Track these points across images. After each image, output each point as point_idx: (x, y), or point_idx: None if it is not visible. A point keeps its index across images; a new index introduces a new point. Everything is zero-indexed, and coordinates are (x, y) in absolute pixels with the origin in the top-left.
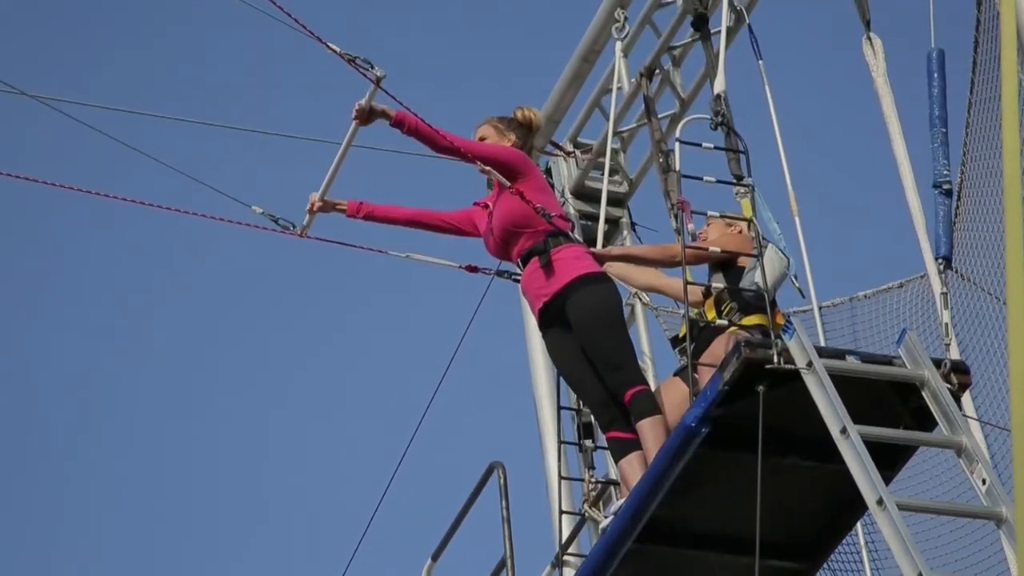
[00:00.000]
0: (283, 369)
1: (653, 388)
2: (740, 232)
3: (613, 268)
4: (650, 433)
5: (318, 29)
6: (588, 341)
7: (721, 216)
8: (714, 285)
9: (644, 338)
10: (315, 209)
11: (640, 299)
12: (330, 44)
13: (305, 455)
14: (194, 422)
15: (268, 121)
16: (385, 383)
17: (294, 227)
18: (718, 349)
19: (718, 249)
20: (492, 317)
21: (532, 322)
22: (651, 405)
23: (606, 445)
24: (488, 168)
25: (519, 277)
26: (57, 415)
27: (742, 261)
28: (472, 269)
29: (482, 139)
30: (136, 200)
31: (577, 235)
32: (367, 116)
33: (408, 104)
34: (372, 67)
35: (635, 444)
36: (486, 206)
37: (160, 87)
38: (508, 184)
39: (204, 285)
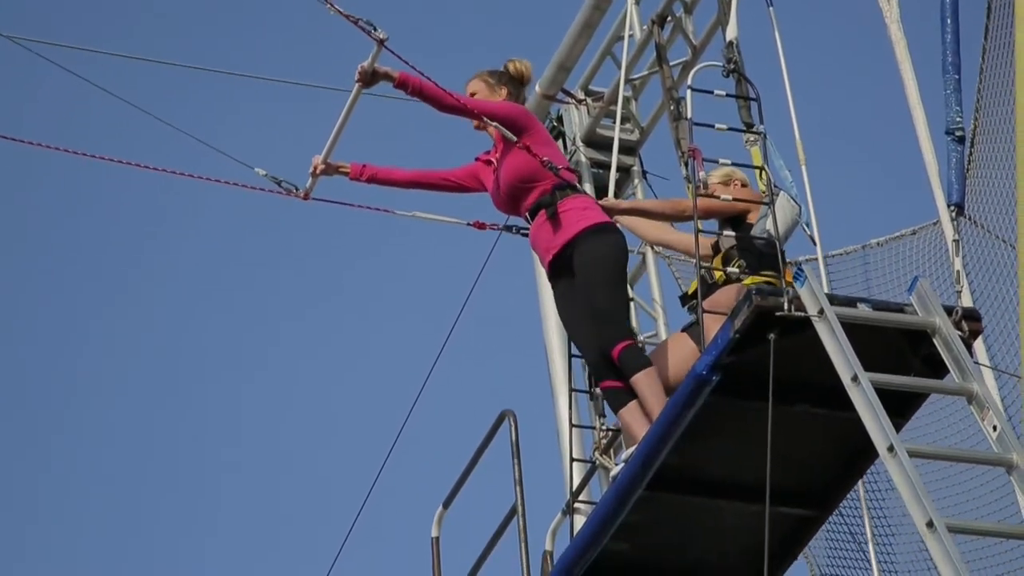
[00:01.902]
0: (291, 324)
1: (662, 339)
2: (741, 186)
3: (623, 220)
4: (646, 387)
5: None
6: (584, 288)
7: (729, 165)
8: (724, 235)
9: (655, 286)
10: (318, 172)
11: (652, 248)
12: (334, 5)
13: (317, 404)
14: (199, 379)
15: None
16: (397, 335)
17: (297, 190)
18: (721, 298)
19: (729, 197)
20: (503, 268)
21: (542, 273)
22: (640, 359)
23: None
24: (496, 124)
25: (527, 231)
26: (58, 387)
27: (751, 217)
28: (480, 226)
29: (472, 94)
30: (139, 164)
31: (587, 187)
32: (370, 78)
33: (412, 63)
34: (375, 29)
35: (629, 394)
36: (489, 162)
37: (162, 44)
38: (515, 139)
39: (204, 247)
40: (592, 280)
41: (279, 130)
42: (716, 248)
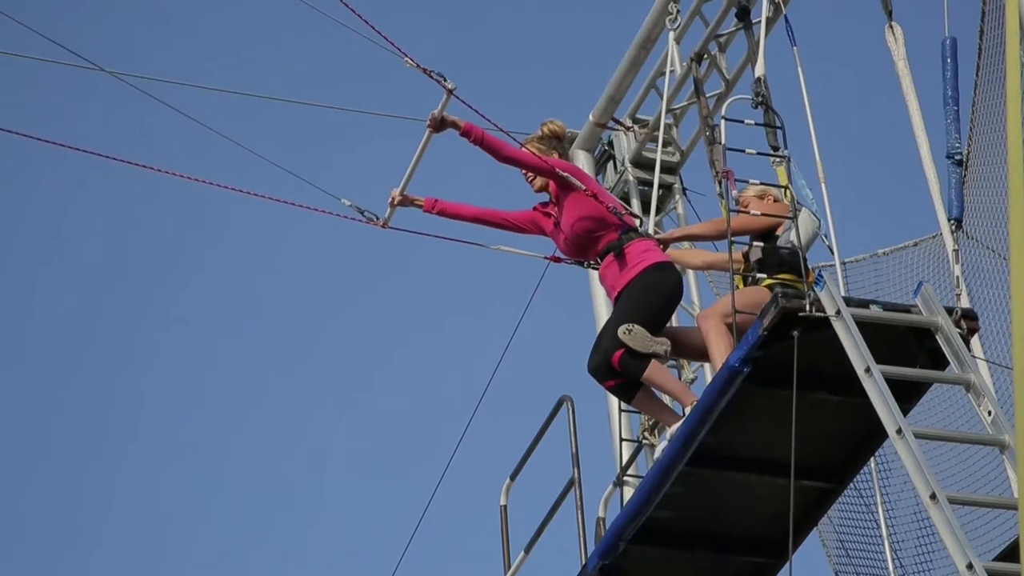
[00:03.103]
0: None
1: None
2: (774, 201)
3: (673, 254)
4: (657, 377)
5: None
6: (623, 300)
7: (760, 184)
8: (754, 245)
9: (695, 292)
10: (395, 203)
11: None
12: (409, 56)
13: (398, 382)
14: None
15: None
16: (468, 333)
17: (377, 219)
18: (742, 298)
19: (758, 212)
20: (563, 277)
21: (595, 276)
22: (641, 359)
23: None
24: (566, 175)
25: (597, 265)
26: (124, 396)
27: (780, 230)
28: (556, 260)
29: None
30: (237, 188)
31: (634, 203)
32: (439, 124)
33: (478, 106)
34: (445, 79)
35: (632, 386)
36: (547, 214)
37: (245, 84)
38: (582, 187)
39: (289, 272)
40: (632, 297)
41: (359, 161)
42: (747, 258)
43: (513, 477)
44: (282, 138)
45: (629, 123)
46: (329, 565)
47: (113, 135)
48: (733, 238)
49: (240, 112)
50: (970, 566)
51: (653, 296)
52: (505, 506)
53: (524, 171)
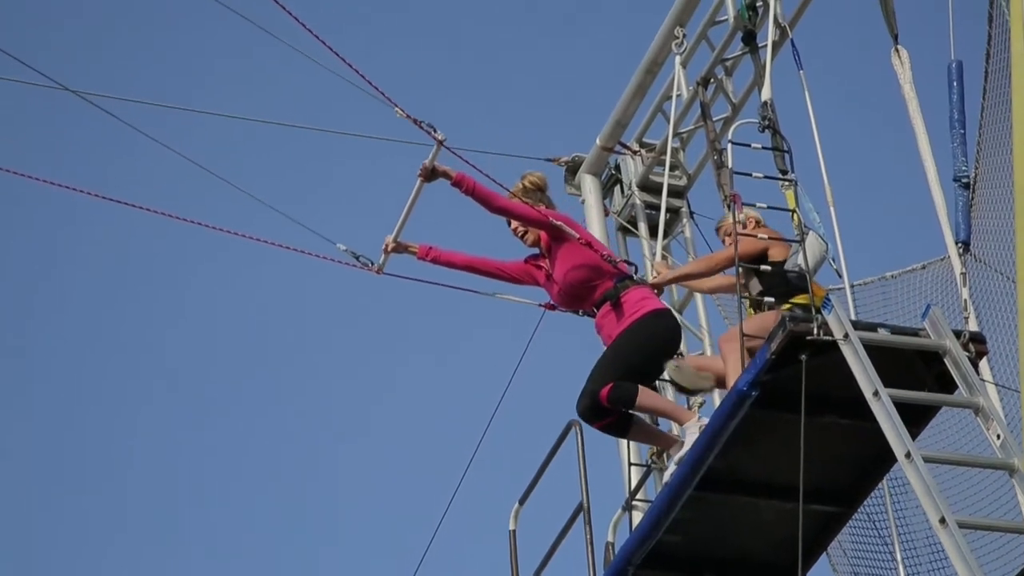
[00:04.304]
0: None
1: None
2: (756, 224)
3: (683, 283)
4: (649, 403)
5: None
6: (616, 340)
7: (767, 208)
8: (761, 268)
9: (702, 313)
10: (389, 249)
11: None
12: (402, 109)
13: (405, 408)
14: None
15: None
16: (475, 358)
17: (372, 264)
18: (758, 323)
19: (765, 236)
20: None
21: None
22: (629, 388)
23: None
24: (560, 224)
25: (592, 313)
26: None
27: (772, 254)
28: (551, 307)
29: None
30: (230, 231)
31: (641, 226)
32: (430, 174)
33: (472, 157)
34: (435, 130)
35: (625, 420)
36: (538, 267)
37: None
38: (576, 235)
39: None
40: (627, 341)
41: (348, 206)
42: (762, 260)
43: (522, 502)
44: (273, 176)
45: (636, 147)
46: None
47: (100, 168)
48: (728, 270)
49: (231, 148)
50: None
51: (648, 343)
52: (514, 531)
53: (514, 226)
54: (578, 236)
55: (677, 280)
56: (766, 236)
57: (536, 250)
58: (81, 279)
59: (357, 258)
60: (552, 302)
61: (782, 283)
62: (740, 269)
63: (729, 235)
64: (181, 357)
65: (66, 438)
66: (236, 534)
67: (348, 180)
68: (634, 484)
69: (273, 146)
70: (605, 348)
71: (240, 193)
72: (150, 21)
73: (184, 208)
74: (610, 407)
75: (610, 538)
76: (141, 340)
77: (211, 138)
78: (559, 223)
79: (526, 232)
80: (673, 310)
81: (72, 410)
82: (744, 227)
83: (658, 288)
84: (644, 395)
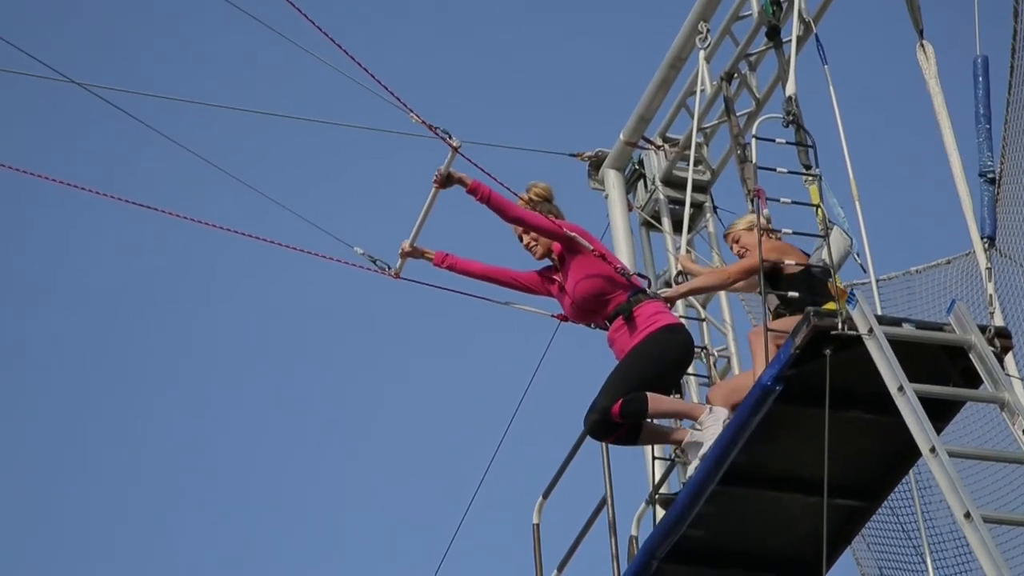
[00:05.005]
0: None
1: (731, 351)
2: (765, 228)
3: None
4: (661, 407)
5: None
6: (629, 353)
7: (749, 214)
8: (786, 263)
9: (726, 309)
10: (405, 254)
11: None
12: (416, 114)
13: (429, 397)
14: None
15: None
16: (499, 351)
17: (389, 269)
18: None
19: (792, 261)
20: None
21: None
22: (639, 398)
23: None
24: (573, 234)
25: (606, 328)
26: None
27: (785, 266)
28: (563, 318)
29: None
30: (252, 235)
31: (665, 222)
32: (446, 180)
33: (487, 159)
34: (450, 136)
35: (634, 430)
36: (551, 279)
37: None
38: (590, 247)
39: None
40: (640, 355)
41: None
42: (776, 271)
43: (546, 495)
44: (287, 176)
45: (660, 142)
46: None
47: (109, 166)
48: (733, 286)
49: (245, 147)
50: None
51: (660, 358)
52: (538, 524)
53: (525, 239)
54: (592, 248)
55: (690, 293)
56: (775, 239)
57: (548, 262)
58: (91, 278)
59: (374, 262)
60: (564, 314)
61: (805, 293)
62: (762, 267)
63: (737, 242)
64: (190, 357)
65: (70, 436)
66: (241, 535)
67: (365, 181)
68: (658, 478)
69: (288, 146)
70: (617, 362)
71: (253, 193)
72: (152, 19)
73: (195, 208)
74: (623, 421)
75: (634, 532)
76: (149, 340)
77: (225, 137)
78: (573, 234)
79: (536, 245)
80: (697, 305)
81: (75, 409)
82: (752, 232)
83: (671, 301)
84: (655, 402)
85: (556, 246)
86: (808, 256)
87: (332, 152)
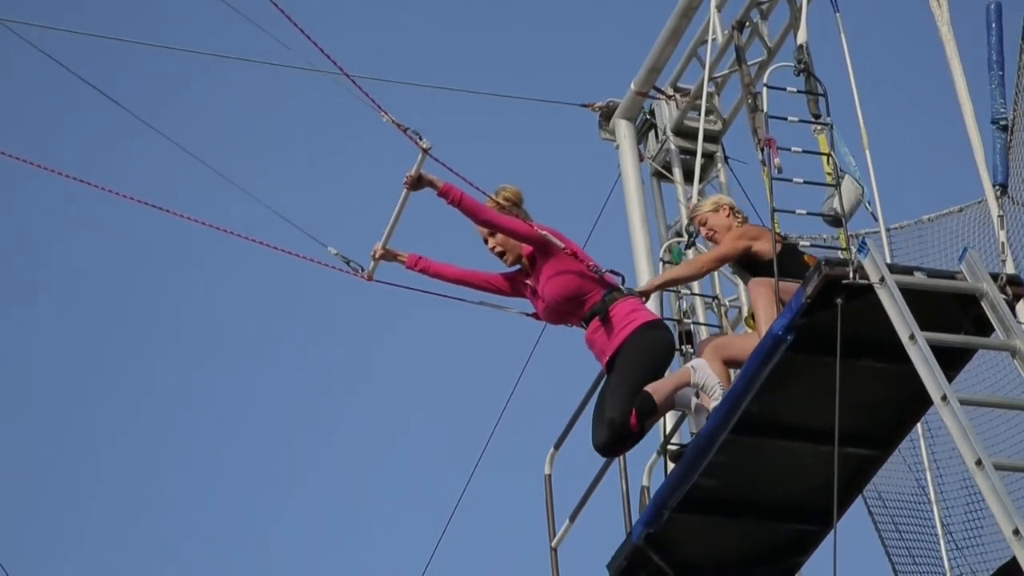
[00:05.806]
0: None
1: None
2: (730, 210)
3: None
4: (668, 387)
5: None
6: (622, 365)
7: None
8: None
9: (716, 281)
10: (377, 257)
11: None
12: (387, 113)
13: (446, 348)
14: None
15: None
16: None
17: (362, 270)
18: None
19: (739, 221)
20: None
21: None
22: (647, 397)
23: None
24: (546, 233)
25: (583, 327)
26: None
27: (757, 247)
28: (537, 317)
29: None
30: (227, 230)
31: (676, 172)
32: (416, 183)
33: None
34: (421, 138)
35: (639, 433)
36: (524, 283)
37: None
38: (562, 245)
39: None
40: (629, 362)
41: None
42: (750, 256)
43: (557, 446)
44: (265, 175)
45: (671, 92)
46: (379, 523)
47: (92, 154)
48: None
49: (223, 145)
50: (1016, 532)
51: (647, 359)
52: (549, 475)
53: (491, 245)
54: (563, 246)
55: (664, 287)
56: (740, 222)
57: (518, 267)
58: (81, 268)
59: (348, 263)
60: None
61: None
62: (775, 247)
63: (704, 224)
64: (169, 353)
65: (56, 433)
66: (214, 532)
67: (343, 181)
68: (670, 428)
69: (268, 143)
70: (604, 368)
71: (228, 187)
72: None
73: (165, 198)
74: (643, 428)
75: (645, 482)
76: (133, 337)
77: (206, 129)
78: (545, 233)
79: (504, 252)
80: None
81: (53, 409)
82: (719, 213)
83: (645, 296)
84: (656, 391)
85: (526, 249)
86: (784, 237)
87: (307, 150)
